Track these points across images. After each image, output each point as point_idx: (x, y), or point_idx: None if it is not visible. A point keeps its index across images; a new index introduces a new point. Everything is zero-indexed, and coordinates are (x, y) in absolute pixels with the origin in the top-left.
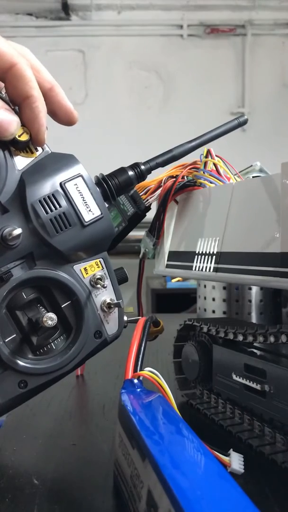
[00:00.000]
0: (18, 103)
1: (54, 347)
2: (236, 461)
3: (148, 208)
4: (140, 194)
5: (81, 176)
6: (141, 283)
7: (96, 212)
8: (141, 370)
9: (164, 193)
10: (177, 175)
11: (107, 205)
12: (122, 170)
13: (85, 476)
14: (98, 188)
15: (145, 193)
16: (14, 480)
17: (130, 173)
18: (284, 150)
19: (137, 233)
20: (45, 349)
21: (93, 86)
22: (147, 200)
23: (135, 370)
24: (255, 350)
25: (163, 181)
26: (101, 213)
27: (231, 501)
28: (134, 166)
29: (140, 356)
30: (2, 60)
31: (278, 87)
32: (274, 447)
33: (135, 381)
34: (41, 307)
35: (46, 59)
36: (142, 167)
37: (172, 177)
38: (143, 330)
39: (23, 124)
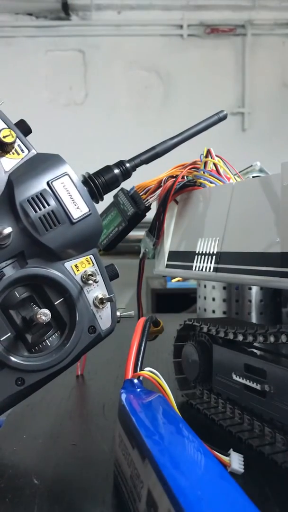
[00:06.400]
0: None
1: (49, 344)
2: (236, 461)
3: (148, 208)
4: (140, 194)
5: (68, 174)
6: (141, 283)
7: (84, 209)
8: (141, 370)
9: (164, 193)
10: (177, 175)
11: (95, 203)
12: (108, 169)
13: (85, 476)
14: (85, 187)
15: (145, 193)
16: (14, 480)
17: (116, 171)
18: (284, 150)
19: (137, 233)
20: (40, 346)
21: (93, 86)
22: (147, 200)
23: (135, 370)
24: (255, 350)
25: (163, 181)
26: (89, 210)
27: (231, 501)
28: (119, 164)
29: (140, 356)
30: None
31: (278, 87)
32: (274, 447)
33: (135, 381)
34: (34, 306)
35: (46, 59)
36: (127, 164)
37: (172, 177)
38: (143, 330)
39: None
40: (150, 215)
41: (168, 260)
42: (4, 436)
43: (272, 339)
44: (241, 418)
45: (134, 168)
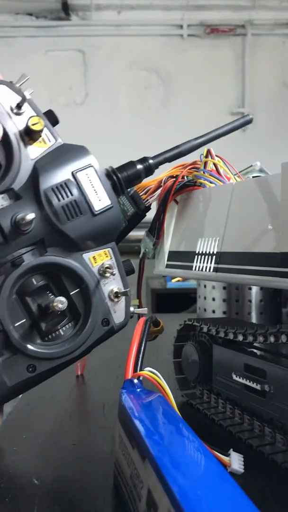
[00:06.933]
0: None
1: (62, 333)
2: (236, 461)
3: (148, 208)
4: (140, 194)
5: (92, 166)
6: (141, 283)
7: (106, 201)
8: (141, 370)
9: (164, 193)
10: (177, 175)
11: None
12: (131, 164)
13: (85, 476)
14: (108, 180)
15: (145, 193)
16: (14, 480)
17: (139, 166)
18: (284, 150)
19: (137, 233)
20: (54, 335)
21: (93, 86)
22: (147, 200)
23: (135, 370)
24: (255, 350)
25: (163, 181)
26: (111, 203)
27: (231, 501)
28: (143, 160)
29: (140, 356)
30: None
31: (278, 87)
32: (274, 447)
33: (135, 381)
34: (50, 294)
35: (46, 59)
36: (151, 161)
37: (172, 177)
38: (143, 330)
39: None
40: (150, 215)
41: (168, 260)
42: (4, 436)
43: (272, 339)
44: (241, 418)
45: (157, 165)
